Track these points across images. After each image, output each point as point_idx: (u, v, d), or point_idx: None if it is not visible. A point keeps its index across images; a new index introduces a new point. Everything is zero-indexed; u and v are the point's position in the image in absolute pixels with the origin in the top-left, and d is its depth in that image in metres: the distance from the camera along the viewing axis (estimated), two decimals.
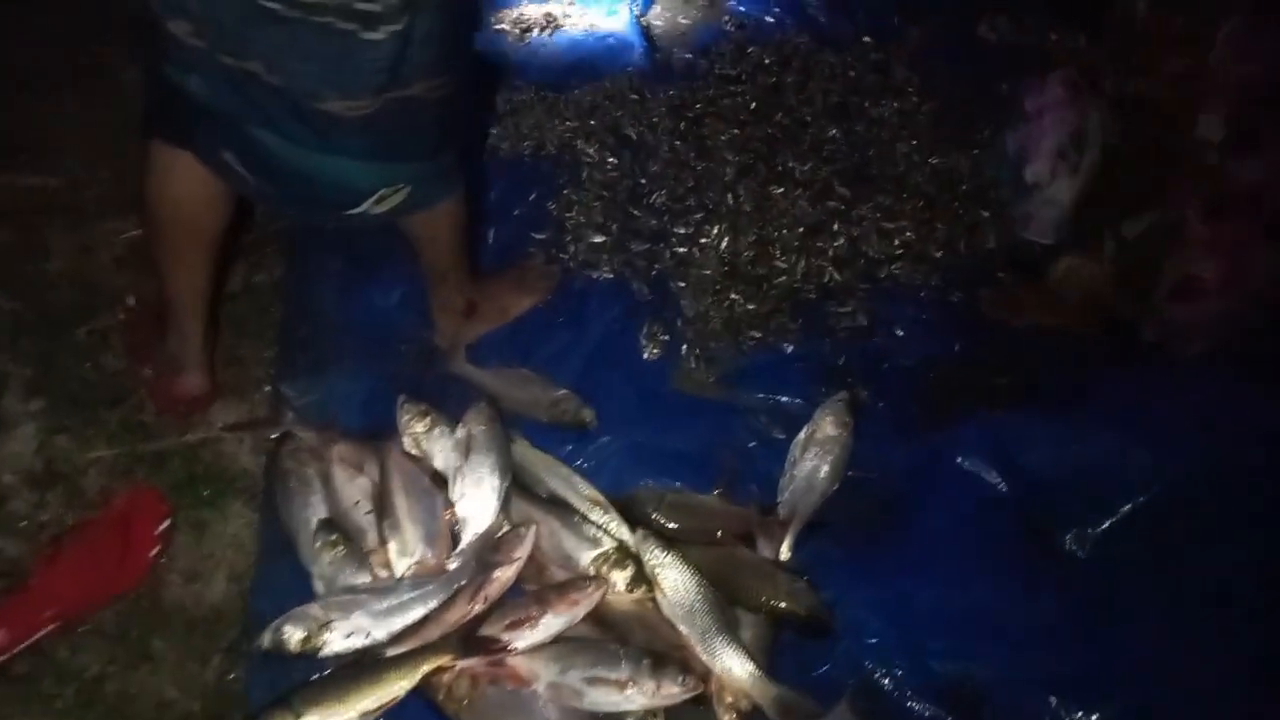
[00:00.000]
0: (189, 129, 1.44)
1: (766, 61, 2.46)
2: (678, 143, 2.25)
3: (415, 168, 1.51)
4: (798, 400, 1.78)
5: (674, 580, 1.48)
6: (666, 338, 1.89)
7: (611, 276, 1.99)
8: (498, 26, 2.56)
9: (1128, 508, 1.53)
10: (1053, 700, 1.39)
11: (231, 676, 1.46)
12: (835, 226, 2.09)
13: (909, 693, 1.43)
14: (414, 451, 1.67)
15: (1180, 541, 1.50)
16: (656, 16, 2.64)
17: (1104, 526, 1.54)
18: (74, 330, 1.82)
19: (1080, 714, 1.37)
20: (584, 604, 1.45)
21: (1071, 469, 1.59)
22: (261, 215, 2.01)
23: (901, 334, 1.92)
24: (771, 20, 2.61)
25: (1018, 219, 2.00)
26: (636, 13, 2.62)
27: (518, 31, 2.56)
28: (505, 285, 1.93)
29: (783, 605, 1.48)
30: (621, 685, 1.37)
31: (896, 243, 2.08)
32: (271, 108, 1.36)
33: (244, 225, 1.93)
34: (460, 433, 1.65)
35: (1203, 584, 1.47)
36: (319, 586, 1.51)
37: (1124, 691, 1.38)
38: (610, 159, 2.21)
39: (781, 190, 2.14)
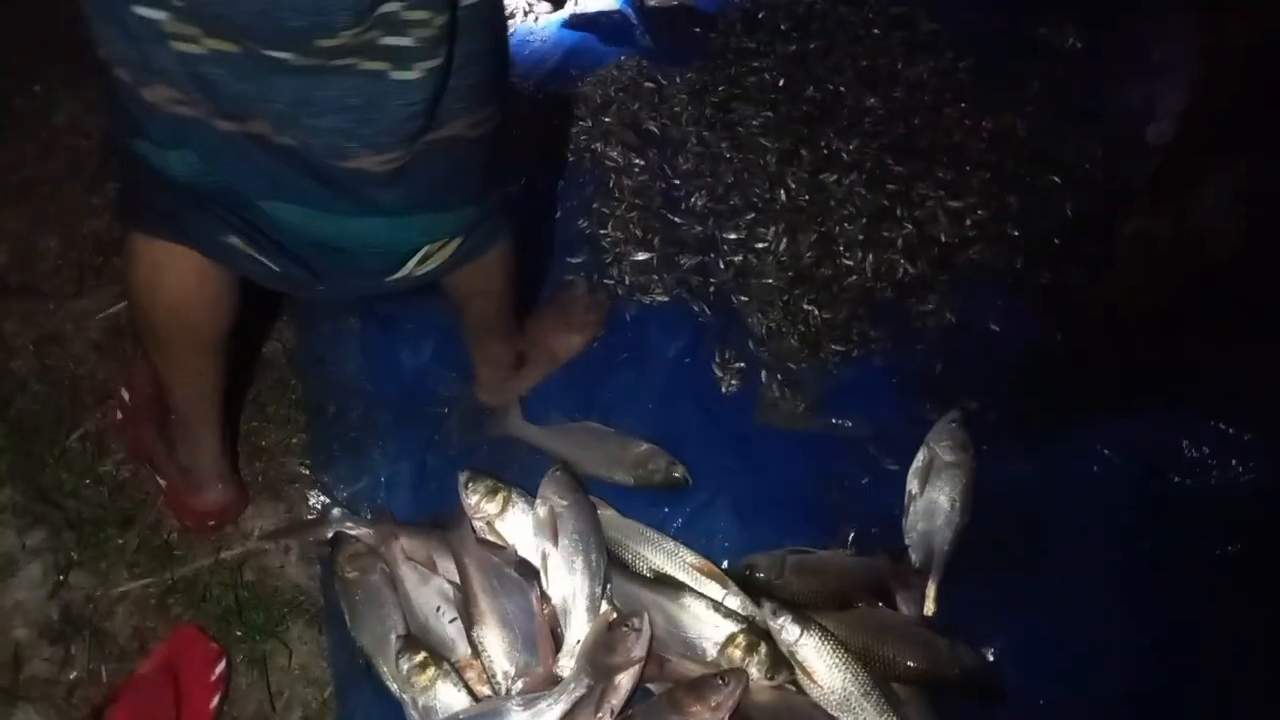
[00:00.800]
0: (178, 217, 1.18)
1: (783, 28, 2.24)
2: (706, 133, 2.03)
3: (461, 215, 1.27)
4: (903, 420, 1.60)
5: (820, 663, 1.30)
6: (741, 365, 1.69)
7: (666, 299, 1.78)
8: None
9: None
10: None
11: None
12: (898, 211, 1.90)
13: None
14: (490, 537, 1.46)
15: None
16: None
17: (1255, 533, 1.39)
18: (59, 440, 1.56)
19: None
20: (726, 704, 1.26)
21: (1229, 472, 1.44)
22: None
23: (996, 329, 1.74)
24: None
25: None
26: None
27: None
28: (550, 325, 1.70)
29: (939, 668, 1.32)
30: None
31: (968, 222, 1.89)
32: (283, 174, 1.11)
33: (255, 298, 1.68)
34: (541, 509, 1.44)
35: None
36: (414, 717, 1.31)
37: None
38: (636, 160, 1.98)
39: (835, 177, 1.93)
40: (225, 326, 1.31)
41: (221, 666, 1.35)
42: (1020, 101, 2.08)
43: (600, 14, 2.32)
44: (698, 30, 2.26)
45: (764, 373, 1.68)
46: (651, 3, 2.32)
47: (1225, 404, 1.53)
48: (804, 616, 1.34)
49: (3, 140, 1.99)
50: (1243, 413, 1.51)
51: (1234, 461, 1.48)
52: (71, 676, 1.36)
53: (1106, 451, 1.52)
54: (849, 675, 1.29)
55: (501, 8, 1.16)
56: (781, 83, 2.11)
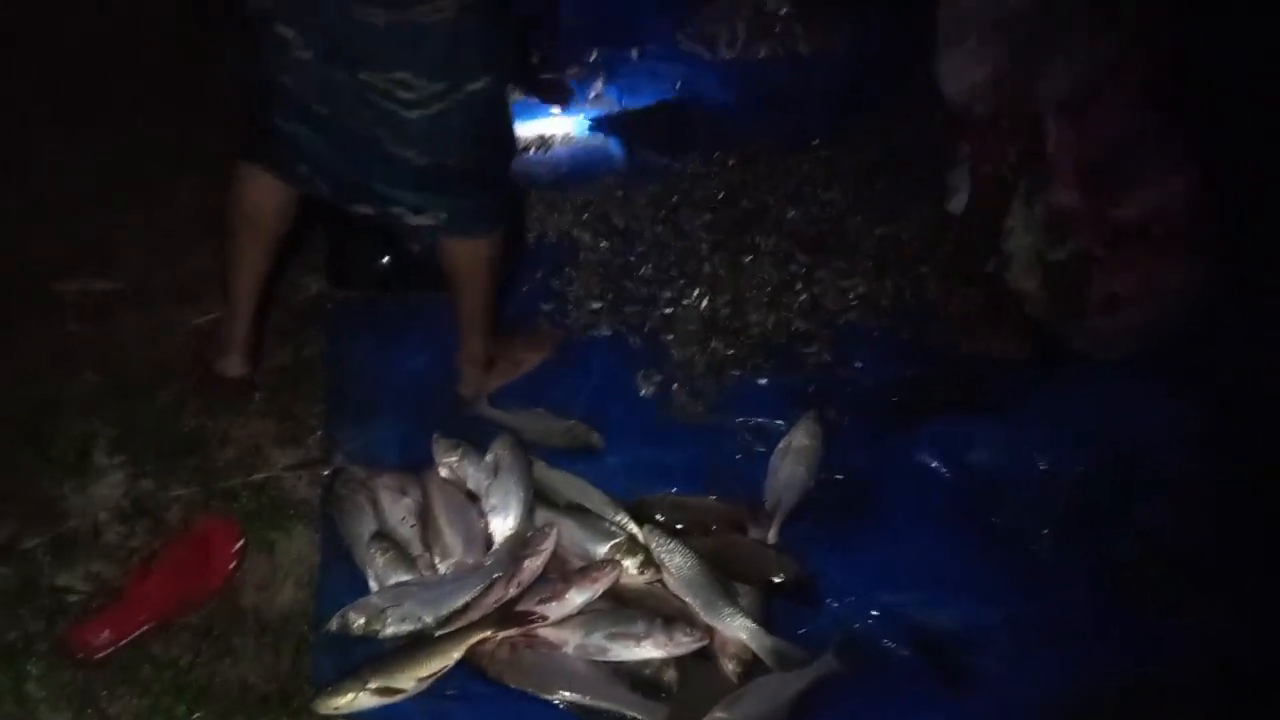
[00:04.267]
0: (282, 158, 1.85)
1: (731, 163, 2.90)
2: (659, 228, 2.64)
3: (453, 201, 1.87)
4: (775, 420, 2.08)
5: (678, 561, 1.74)
6: (659, 378, 2.21)
7: (609, 334, 2.33)
8: None
9: (1050, 491, 1.83)
10: (1003, 640, 1.64)
11: (301, 665, 1.68)
12: (798, 286, 2.45)
13: (883, 639, 1.67)
14: (449, 476, 1.95)
15: (1094, 515, 1.80)
16: (629, 120, 3.08)
17: (1026, 505, 1.83)
18: (152, 398, 2.12)
19: (1018, 647, 1.62)
20: (603, 581, 1.70)
21: (999, 461, 1.90)
22: (303, 301, 2.38)
23: (860, 365, 2.25)
24: (731, 129, 3.06)
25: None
26: (614, 109, 3.07)
27: (531, 146, 2.99)
28: (519, 343, 2.26)
29: (770, 573, 1.74)
30: (638, 639, 1.61)
31: (851, 296, 2.43)
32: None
33: (287, 306, 2.30)
34: (488, 457, 1.93)
35: (1109, 549, 1.78)
36: (374, 585, 1.76)
37: (1054, 635, 1.65)
38: (603, 243, 2.59)
39: (751, 258, 2.51)
40: (282, 231, 1.97)
41: (240, 544, 1.83)
42: (906, 215, 2.66)
43: (593, 147, 3.03)
44: (665, 160, 2.93)
45: (675, 385, 2.19)
46: (629, 134, 3.02)
47: (1020, 416, 2.00)
48: (671, 535, 1.79)
49: (137, 207, 2.66)
50: (1033, 423, 1.97)
51: (1019, 454, 1.92)
52: (134, 545, 1.85)
53: (925, 446, 1.98)
54: (699, 570, 1.72)
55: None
56: (722, 196, 2.74)
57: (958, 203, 2.13)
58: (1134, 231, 1.97)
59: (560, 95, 3.14)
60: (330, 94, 1.73)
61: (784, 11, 3.64)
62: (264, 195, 1.92)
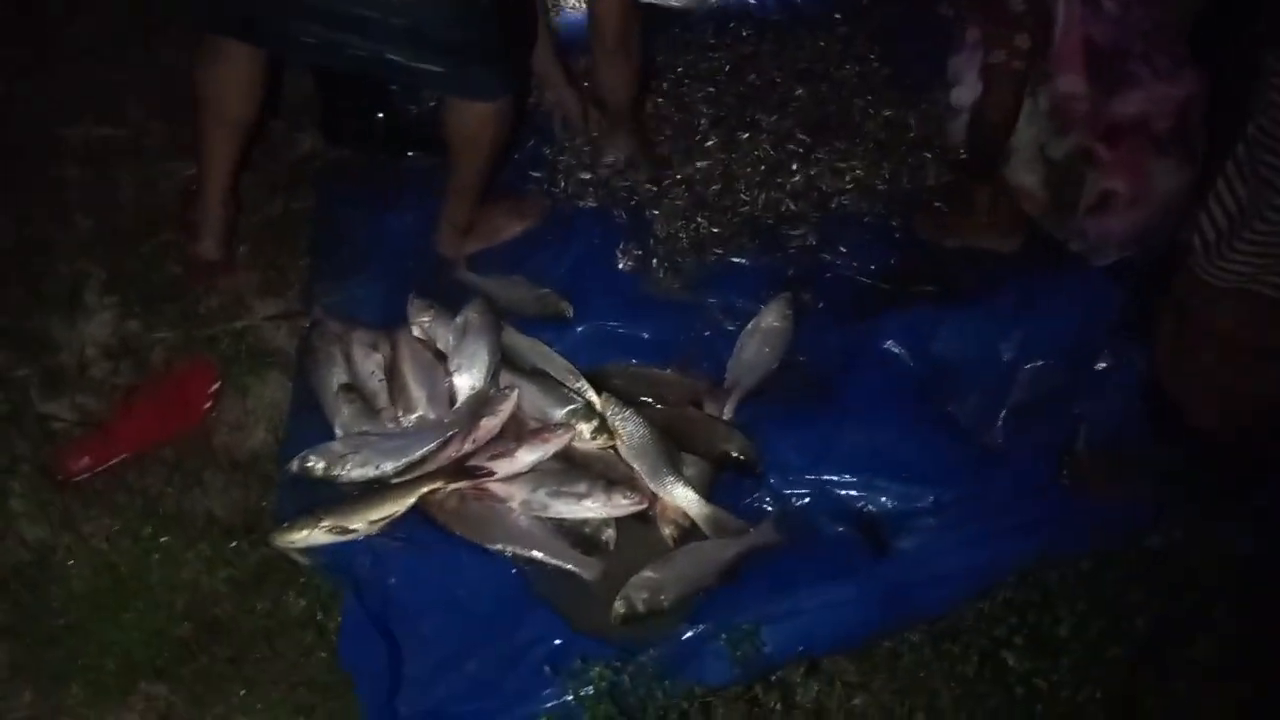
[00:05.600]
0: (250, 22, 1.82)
1: (745, 34, 2.79)
2: (659, 100, 2.57)
3: (457, 61, 1.84)
4: (750, 300, 2.07)
5: (630, 429, 1.78)
6: (640, 253, 2.20)
7: (595, 205, 2.31)
8: None
9: (1001, 378, 1.83)
10: (931, 521, 1.68)
11: (265, 502, 1.78)
12: (794, 166, 2.39)
13: (820, 515, 1.71)
14: (420, 335, 1.99)
15: (1040, 403, 1.81)
16: None
17: (982, 393, 1.83)
18: (141, 243, 2.18)
19: (954, 529, 1.65)
20: (553, 442, 1.75)
21: (963, 350, 1.89)
22: (296, 157, 2.39)
23: (844, 250, 2.21)
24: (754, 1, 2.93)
25: (950, 138, 2.23)
26: None
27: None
28: (501, 210, 2.25)
29: (719, 447, 1.78)
30: (580, 498, 1.67)
31: (848, 178, 2.37)
32: None
33: (279, 160, 2.31)
34: (459, 319, 1.97)
35: (1050, 434, 1.80)
36: (339, 433, 1.83)
37: (987, 513, 1.67)
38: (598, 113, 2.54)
39: (748, 135, 2.45)
40: (250, 112, 1.97)
41: (217, 385, 1.92)
42: (919, 101, 2.55)
43: None
44: (676, 30, 2.82)
45: (655, 260, 2.19)
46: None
47: (991, 308, 1.97)
48: (626, 404, 1.82)
49: (134, 56, 2.62)
50: (1001, 315, 1.94)
51: (983, 344, 1.91)
52: (118, 381, 1.94)
53: (892, 333, 1.96)
54: (648, 437, 1.76)
55: None
56: (728, 68, 2.66)
57: (959, 95, 2.03)
58: (1131, 127, 1.88)
59: None
60: None
61: None
62: (231, 69, 1.90)
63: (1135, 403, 1.74)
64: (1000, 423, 1.83)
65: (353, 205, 2.28)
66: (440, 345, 1.97)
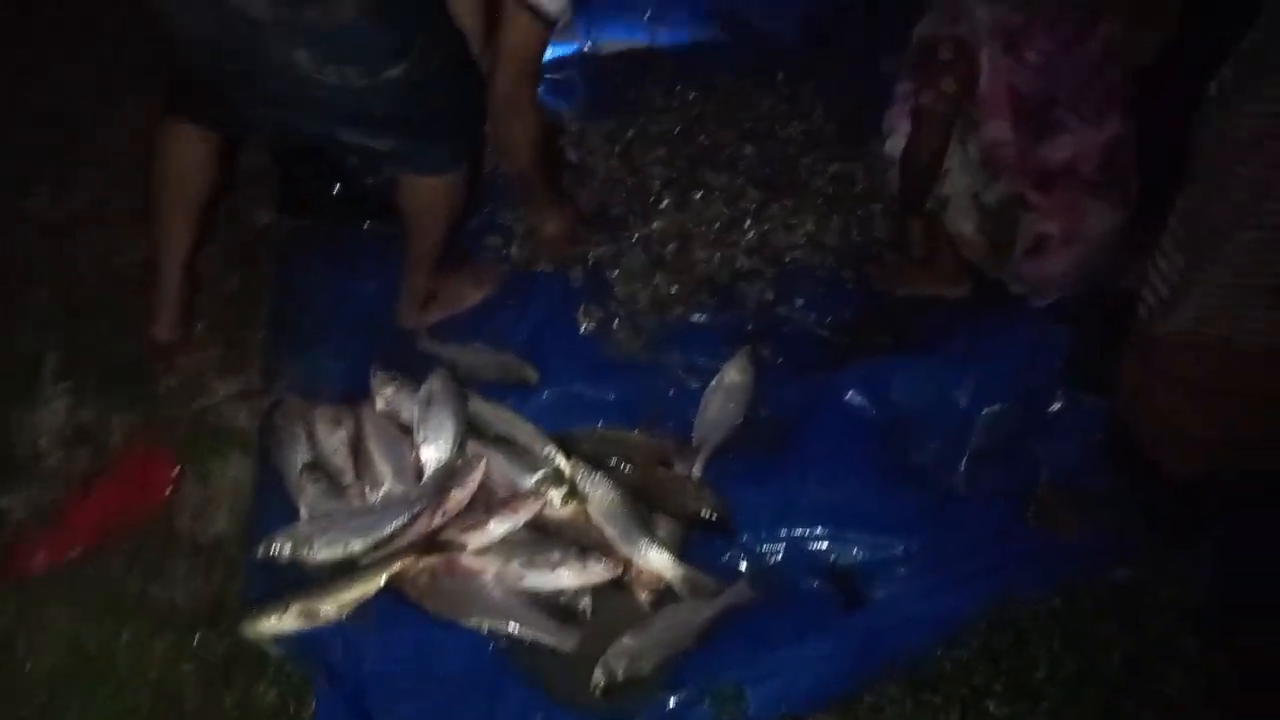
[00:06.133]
0: (208, 107, 1.84)
1: (692, 96, 2.86)
2: (613, 163, 2.63)
3: (408, 140, 1.87)
4: (712, 358, 2.10)
5: (600, 493, 1.79)
6: (601, 314, 2.22)
7: (551, 270, 2.33)
8: None
9: (960, 424, 1.87)
10: (902, 570, 1.70)
11: (230, 588, 1.74)
12: (747, 224, 2.45)
13: (793, 570, 1.72)
14: (384, 408, 1.98)
15: (999, 446, 1.86)
16: (597, 52, 3.03)
17: (942, 439, 1.87)
18: (100, 319, 2.15)
19: (924, 576, 1.67)
20: (524, 511, 1.75)
21: (920, 398, 1.93)
22: (254, 229, 2.39)
23: (800, 304, 2.26)
24: (697, 61, 3.02)
25: (891, 188, 2.29)
26: (578, 62, 3.03)
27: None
28: (461, 278, 2.26)
29: (690, 506, 1.78)
30: (554, 566, 1.66)
31: (800, 234, 2.43)
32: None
33: (237, 232, 2.30)
34: (423, 391, 1.96)
35: (1011, 476, 1.84)
36: (304, 514, 1.81)
37: (956, 557, 1.70)
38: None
39: (701, 195, 2.51)
40: (205, 191, 1.98)
41: (176, 470, 1.88)
42: (863, 155, 2.63)
43: (556, 76, 2.98)
44: (627, 91, 2.89)
45: (616, 321, 2.21)
46: (594, 67, 2.99)
47: (945, 355, 2.01)
48: (594, 468, 1.83)
49: (95, 129, 2.62)
50: (955, 363, 1.99)
51: (940, 392, 1.95)
52: (74, 469, 1.89)
53: (852, 383, 1.99)
54: (618, 500, 1.77)
55: None
56: (678, 130, 2.72)
57: (894, 145, 2.11)
58: (1061, 172, 1.96)
59: None
60: (249, 55, 1.67)
61: None
62: (188, 151, 1.91)
63: (1093, 441, 1.79)
64: (963, 467, 1.87)
65: (312, 277, 2.28)
66: (405, 418, 1.95)
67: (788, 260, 2.38)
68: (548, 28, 1.86)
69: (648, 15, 3.23)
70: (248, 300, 2.25)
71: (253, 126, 1.89)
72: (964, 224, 2.10)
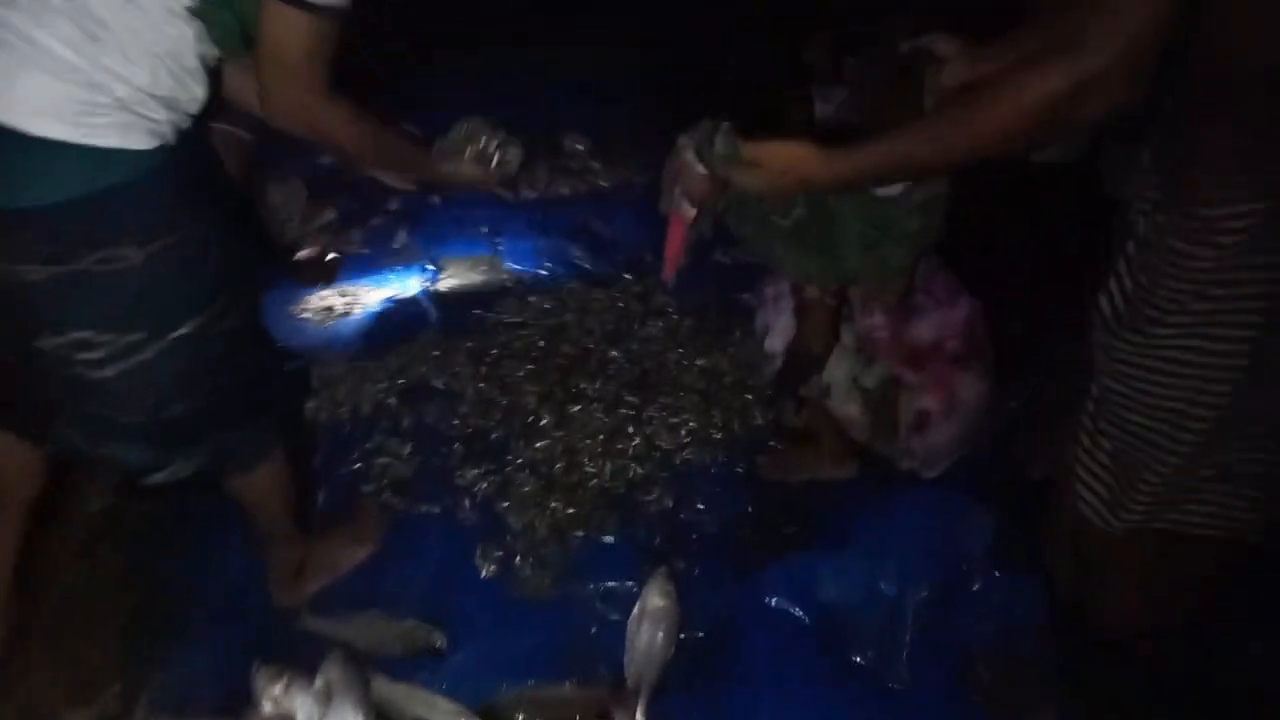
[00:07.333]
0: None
1: (546, 307, 2.87)
2: (481, 385, 2.56)
3: (193, 448, 1.66)
4: (626, 582, 2.00)
5: None
6: (500, 554, 2.09)
7: (439, 511, 2.19)
8: (302, 315, 2.84)
9: (891, 614, 1.85)
10: None
11: None
12: (630, 429, 2.42)
13: None
14: (273, 712, 1.73)
15: (935, 635, 1.85)
16: (445, 283, 3.02)
17: (878, 634, 1.84)
18: None
19: None
20: None
21: (847, 593, 1.90)
22: (91, 515, 2.12)
23: (702, 507, 2.22)
24: (545, 272, 3.06)
25: (767, 379, 2.34)
26: (427, 283, 3.00)
27: (320, 316, 2.85)
28: (336, 540, 2.07)
29: None
30: None
31: (683, 433, 2.42)
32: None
33: (71, 522, 2.04)
34: (318, 683, 1.74)
35: (948, 657, 1.83)
36: None
37: None
38: (422, 410, 2.47)
39: (579, 408, 2.47)
40: (28, 494, 1.75)
41: None
42: (725, 345, 2.71)
43: (404, 305, 2.93)
44: (479, 311, 2.87)
45: (517, 558, 2.08)
46: (442, 288, 2.96)
47: (860, 546, 2.01)
48: None
49: None
50: (871, 552, 1.97)
51: (865, 585, 1.92)
52: None
53: (777, 588, 1.95)
54: None
55: None
56: (542, 343, 2.70)
57: (772, 343, 2.18)
58: (929, 350, 2.07)
59: (322, 273, 2.94)
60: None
61: (580, 148, 3.74)
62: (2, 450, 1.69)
63: (1027, 614, 1.81)
64: (904, 659, 1.83)
65: (166, 564, 2.02)
66: (302, 718, 1.72)
67: (678, 462, 2.35)
68: (318, 16, 1.36)
69: (485, 229, 3.30)
70: (91, 601, 1.96)
71: (57, 441, 1.65)
72: (849, 408, 2.16)
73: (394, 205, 3.34)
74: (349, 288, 2.96)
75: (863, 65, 1.90)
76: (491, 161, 1.70)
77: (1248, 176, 1.05)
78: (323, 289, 2.90)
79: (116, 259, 1.36)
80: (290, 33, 1.35)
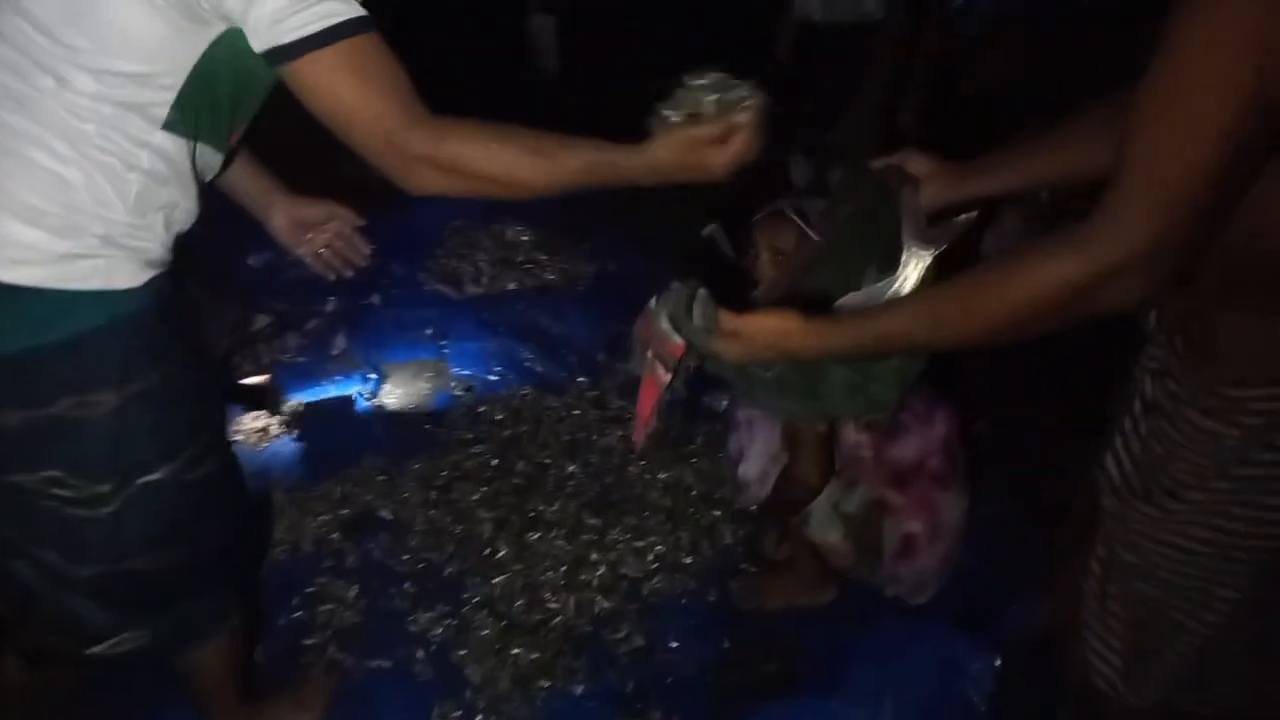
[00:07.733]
0: None
1: (498, 418, 2.73)
2: (432, 512, 2.39)
3: (157, 616, 1.50)
4: None
5: None
6: (460, 713, 1.91)
7: (391, 665, 2.01)
8: (234, 436, 2.64)
9: None
10: None
11: None
12: (593, 557, 2.28)
13: None
14: None
15: None
16: (389, 394, 2.87)
17: None
18: None
19: None
20: None
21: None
22: None
23: (675, 644, 2.07)
24: (495, 378, 2.92)
25: (740, 501, 2.23)
26: (367, 395, 2.84)
27: (255, 438, 2.66)
28: (279, 708, 1.87)
29: None
30: None
31: (650, 558, 2.29)
32: None
33: None
34: None
35: None
36: None
37: None
38: (369, 544, 2.29)
39: (538, 535, 2.32)
40: None
41: None
42: (689, 456, 2.59)
43: (347, 422, 2.75)
44: (428, 426, 2.71)
45: (479, 717, 1.91)
46: (386, 401, 2.80)
47: (847, 691, 1.90)
48: None
49: None
50: (860, 699, 1.87)
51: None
52: None
53: None
54: None
55: None
56: (495, 462, 2.55)
57: (746, 470, 2.07)
58: (912, 470, 1.99)
59: (264, 399, 2.77)
60: None
61: (525, 239, 3.64)
62: None
63: None
64: None
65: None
66: None
67: (647, 592, 2.21)
68: (351, 39, 1.14)
69: (429, 331, 3.16)
70: None
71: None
72: (830, 534, 2.05)
73: (330, 306, 3.21)
74: (285, 402, 2.78)
75: (840, 180, 1.84)
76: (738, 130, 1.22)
77: (1275, 359, 0.98)
78: (259, 413, 2.71)
79: (91, 404, 1.27)
80: (340, 83, 1.13)
